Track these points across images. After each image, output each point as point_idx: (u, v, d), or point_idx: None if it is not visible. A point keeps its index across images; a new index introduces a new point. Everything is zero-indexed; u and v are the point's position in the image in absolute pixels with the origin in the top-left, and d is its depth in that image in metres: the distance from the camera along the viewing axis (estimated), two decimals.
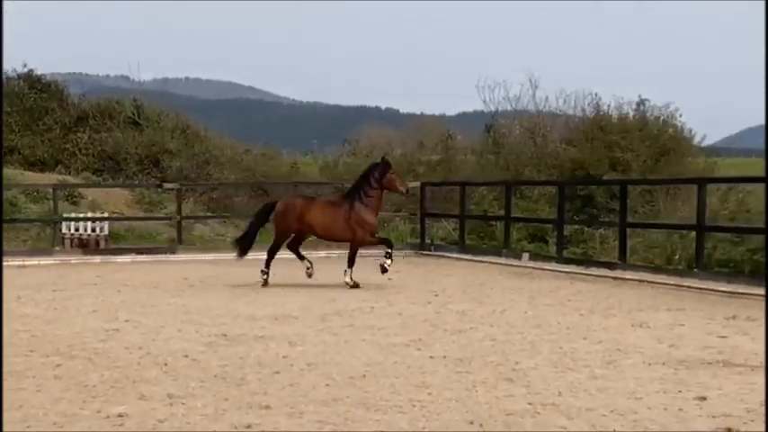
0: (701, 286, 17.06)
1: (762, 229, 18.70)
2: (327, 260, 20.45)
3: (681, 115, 31.95)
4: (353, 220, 17.27)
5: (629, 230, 21.36)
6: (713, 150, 44.08)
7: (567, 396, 7.91)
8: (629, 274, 19.21)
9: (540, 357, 9.86)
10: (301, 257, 17.80)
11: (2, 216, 23.61)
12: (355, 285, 16.87)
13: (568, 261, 21.90)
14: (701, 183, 19.49)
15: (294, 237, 18.01)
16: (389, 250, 17.40)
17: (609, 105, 32.70)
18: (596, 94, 33.73)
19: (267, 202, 19.92)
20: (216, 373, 9.00)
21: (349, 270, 17.18)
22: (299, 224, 17.63)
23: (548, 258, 22.47)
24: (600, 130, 30.55)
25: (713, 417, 7.16)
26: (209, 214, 30.25)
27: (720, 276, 17.80)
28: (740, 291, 16.25)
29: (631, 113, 31.57)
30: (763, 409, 7.40)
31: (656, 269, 19.79)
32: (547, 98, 34.75)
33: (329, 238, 18.39)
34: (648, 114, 31.47)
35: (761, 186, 23.84)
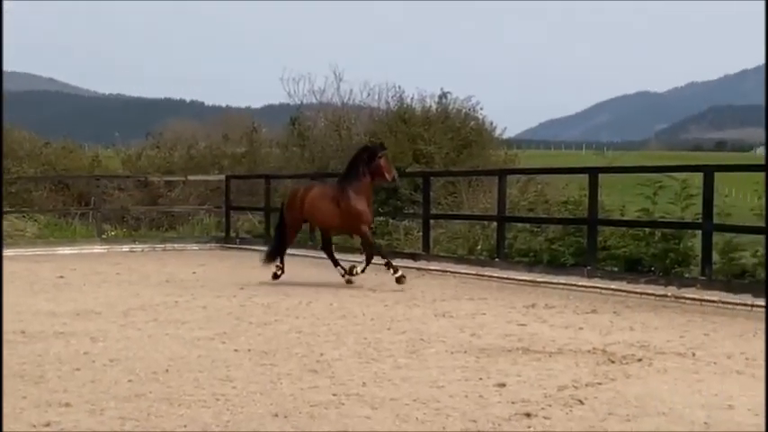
0: (502, 275, 17.54)
1: (555, 219, 19.32)
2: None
3: (482, 108, 32.60)
4: (345, 209, 16.35)
5: (432, 222, 21.74)
6: (514, 142, 45.19)
7: (371, 386, 7.99)
8: (432, 265, 19.56)
9: (345, 348, 9.93)
10: (335, 263, 16.96)
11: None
12: (399, 279, 15.87)
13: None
14: (502, 174, 20.03)
15: (323, 238, 17.46)
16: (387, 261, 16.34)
17: (412, 98, 33.05)
18: (400, 87, 34.13)
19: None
20: (14, 371, 8.72)
21: (391, 266, 16.10)
22: (301, 214, 16.98)
23: (353, 250, 22.63)
24: (403, 123, 30.80)
25: (512, 402, 7.35)
26: (8, 209, 29.26)
27: (521, 266, 18.30)
28: (539, 279, 16.78)
29: (434, 106, 31.99)
30: (560, 394, 7.65)
31: (459, 259, 20.18)
32: (351, 91, 34.94)
33: (327, 228, 17.39)
34: (450, 107, 31.94)
35: (559, 177, 24.64)
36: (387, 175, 16.31)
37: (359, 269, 16.45)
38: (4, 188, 30.07)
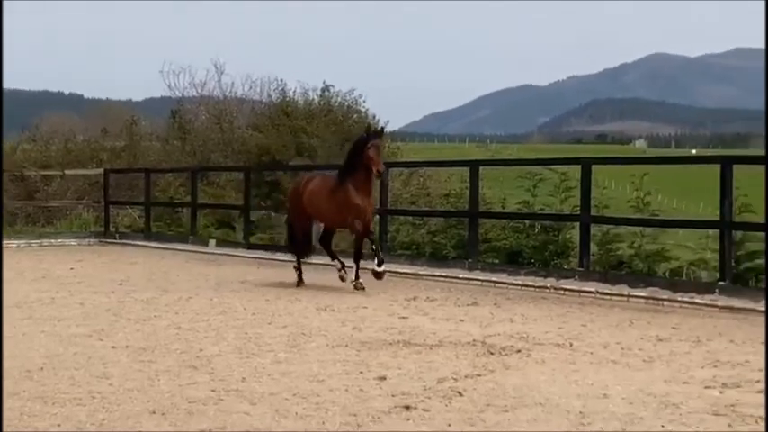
0: (385, 268, 17.56)
1: (437, 212, 19.49)
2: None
3: (365, 101, 32.73)
4: (341, 203, 15.12)
5: None
6: (398, 135, 45.32)
7: (250, 381, 7.95)
8: (315, 259, 19.53)
9: (225, 344, 9.86)
10: (333, 255, 15.92)
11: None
12: (359, 287, 14.68)
13: (256, 247, 22.10)
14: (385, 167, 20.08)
15: (324, 231, 16.38)
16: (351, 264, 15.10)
17: (294, 91, 33.05)
18: (282, 80, 34.10)
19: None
20: None
21: (354, 267, 14.94)
22: (303, 207, 15.83)
23: (235, 245, 22.56)
24: (286, 116, 30.77)
25: (392, 395, 7.39)
26: None
27: (403, 258, 18.40)
28: (421, 272, 16.91)
29: (317, 99, 32.00)
30: (439, 386, 7.72)
31: (340, 253, 20.21)
32: (233, 84, 34.80)
33: (328, 224, 16.34)
34: (333, 101, 31.97)
35: (441, 170, 24.83)
36: (372, 168, 14.85)
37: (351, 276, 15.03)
38: None
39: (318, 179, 16.01)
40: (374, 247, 15.18)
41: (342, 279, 15.33)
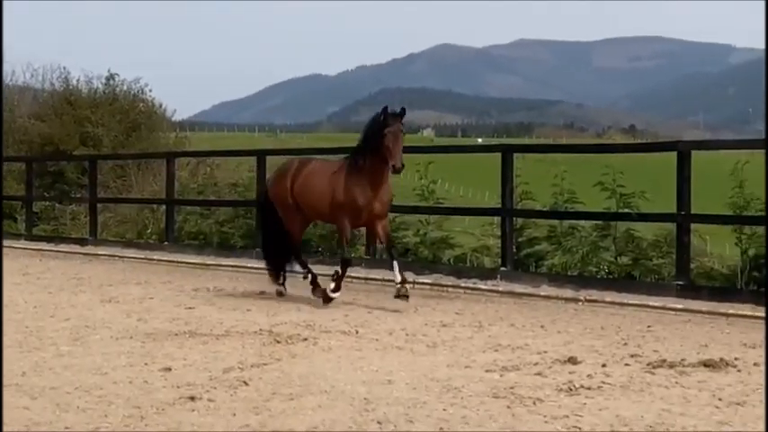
0: (172, 259, 17.47)
1: (225, 202, 19.42)
2: None
3: (151, 90, 32.25)
4: (337, 192, 12.30)
5: (100, 206, 21.39)
6: (187, 124, 44.79)
7: (31, 376, 7.74)
8: (100, 250, 19.24)
9: (6, 338, 9.56)
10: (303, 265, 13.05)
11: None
12: (326, 299, 12.18)
13: (39, 238, 21.65)
14: (170, 157, 19.94)
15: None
16: (339, 270, 12.38)
17: (78, 80, 32.35)
18: (65, 68, 33.38)
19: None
20: None
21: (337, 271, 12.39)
22: (291, 198, 12.84)
23: (17, 236, 21.96)
24: (69, 105, 30.10)
25: (177, 387, 7.32)
26: None
27: (190, 249, 18.30)
28: (209, 262, 16.84)
29: (101, 88, 31.38)
30: (225, 376, 7.70)
31: (128, 243, 19.98)
32: (14, 72, 33.86)
33: (321, 219, 13.92)
34: (119, 90, 31.43)
35: (229, 159, 24.68)
36: (390, 161, 11.77)
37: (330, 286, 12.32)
38: None
39: (318, 162, 13.29)
40: (391, 256, 12.22)
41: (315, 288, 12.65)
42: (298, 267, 13.06)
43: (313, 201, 12.64)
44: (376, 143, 11.94)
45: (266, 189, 13.59)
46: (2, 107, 28.39)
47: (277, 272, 13.18)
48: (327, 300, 12.06)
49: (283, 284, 13.06)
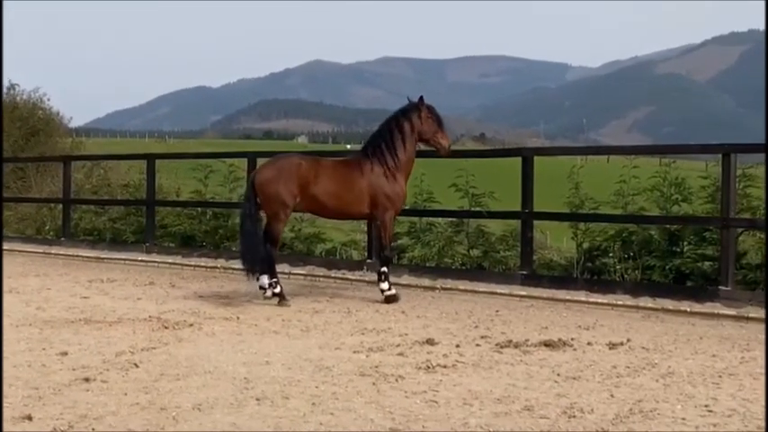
0: (68, 253, 17.14)
1: (117, 201, 19.09)
2: None
3: (49, 99, 31.65)
4: (384, 191, 11.36)
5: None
6: (82, 131, 43.83)
7: None
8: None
9: None
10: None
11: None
12: (390, 299, 11.17)
13: None
14: (67, 160, 19.57)
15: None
16: (384, 270, 11.37)
17: None
18: None
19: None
20: None
21: (385, 271, 11.36)
22: (301, 200, 11.29)
23: None
24: None
25: (73, 369, 7.15)
26: None
27: (85, 244, 18.01)
28: (103, 256, 16.58)
29: (3, 96, 30.58)
30: (117, 359, 7.55)
31: (27, 239, 19.53)
32: None
33: (341, 216, 12.20)
34: (19, 98, 30.71)
35: (121, 163, 24.25)
36: (441, 142, 11.62)
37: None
38: None
39: (332, 161, 11.73)
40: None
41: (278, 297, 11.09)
42: (265, 279, 11.14)
43: (346, 200, 11.27)
44: (409, 129, 11.42)
45: (252, 189, 11.27)
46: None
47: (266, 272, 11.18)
48: (393, 299, 11.11)
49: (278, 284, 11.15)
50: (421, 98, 11.63)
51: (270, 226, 11.28)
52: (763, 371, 7.20)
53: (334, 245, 15.90)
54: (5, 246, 18.27)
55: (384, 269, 11.38)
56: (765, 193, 11.51)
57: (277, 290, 11.06)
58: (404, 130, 11.47)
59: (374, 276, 12.51)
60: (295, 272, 13.87)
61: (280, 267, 11.90)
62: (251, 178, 11.63)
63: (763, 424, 5.75)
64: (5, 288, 12.21)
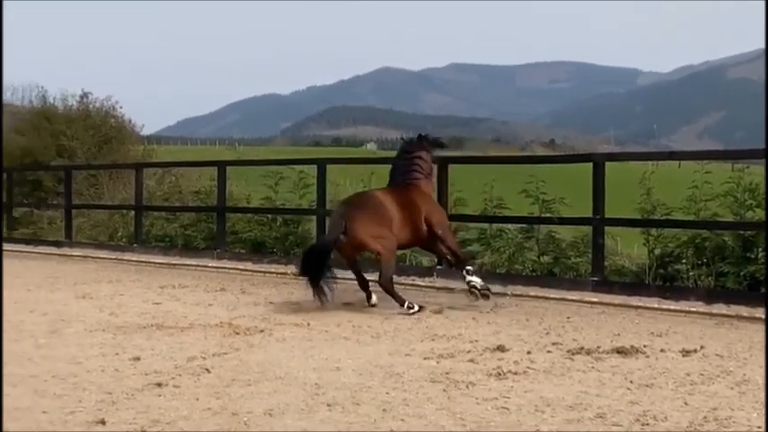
0: (140, 259, 17.35)
1: (188, 208, 19.29)
2: None
3: (121, 107, 32.08)
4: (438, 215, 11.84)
5: (74, 211, 21.18)
6: (153, 139, 44.42)
7: (11, 366, 7.59)
8: (75, 251, 19.05)
9: None
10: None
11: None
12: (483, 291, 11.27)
13: (18, 241, 21.40)
14: (139, 167, 19.87)
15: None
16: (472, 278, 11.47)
17: (55, 98, 32.12)
18: (42, 87, 33.19)
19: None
20: None
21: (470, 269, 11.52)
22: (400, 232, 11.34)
23: None
24: (46, 121, 29.85)
25: (146, 374, 7.24)
26: None
27: (157, 250, 18.22)
28: (174, 262, 16.81)
29: (76, 105, 31.13)
30: (189, 364, 7.61)
31: (100, 245, 19.83)
32: None
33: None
34: (92, 107, 31.20)
35: (192, 170, 24.52)
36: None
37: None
38: None
39: (382, 192, 11.60)
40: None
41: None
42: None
43: (421, 228, 11.46)
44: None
45: (335, 237, 11.04)
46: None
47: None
48: (486, 291, 11.20)
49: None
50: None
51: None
52: None
53: (404, 252, 15.86)
54: (78, 252, 18.62)
55: (468, 267, 11.53)
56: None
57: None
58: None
59: (445, 283, 12.48)
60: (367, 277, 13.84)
61: (349, 274, 11.89)
62: None
63: None
64: (79, 294, 12.45)
